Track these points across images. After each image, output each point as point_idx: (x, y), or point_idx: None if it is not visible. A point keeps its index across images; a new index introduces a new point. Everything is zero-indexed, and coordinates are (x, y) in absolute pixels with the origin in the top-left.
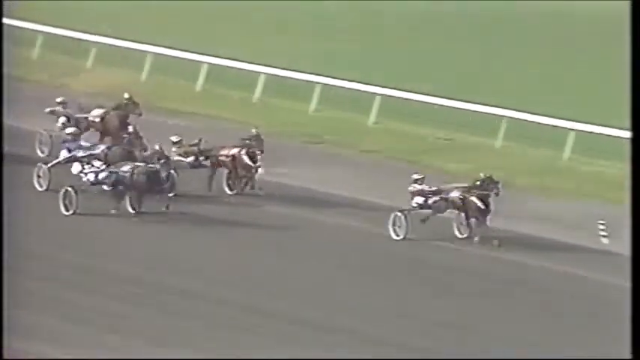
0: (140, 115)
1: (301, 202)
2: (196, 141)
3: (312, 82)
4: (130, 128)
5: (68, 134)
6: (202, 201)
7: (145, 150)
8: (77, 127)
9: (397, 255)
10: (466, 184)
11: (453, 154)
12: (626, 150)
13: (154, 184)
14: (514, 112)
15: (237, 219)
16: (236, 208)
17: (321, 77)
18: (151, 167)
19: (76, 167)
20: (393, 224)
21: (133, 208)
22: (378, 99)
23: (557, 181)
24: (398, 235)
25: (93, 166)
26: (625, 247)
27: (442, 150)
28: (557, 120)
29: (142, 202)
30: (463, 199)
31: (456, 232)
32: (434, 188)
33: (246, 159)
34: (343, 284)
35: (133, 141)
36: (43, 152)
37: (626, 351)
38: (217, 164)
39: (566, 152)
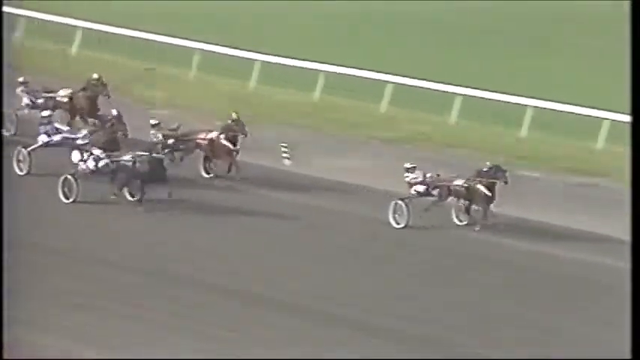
0: (109, 96)
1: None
2: (175, 126)
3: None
4: (114, 112)
5: (44, 117)
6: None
7: (127, 136)
8: (43, 106)
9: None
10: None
11: (152, 83)
12: (311, 80)
13: (156, 172)
14: (205, 44)
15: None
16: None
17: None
18: (154, 156)
19: (75, 155)
20: (394, 212)
21: (132, 196)
22: (79, 32)
23: (247, 108)
24: (398, 224)
25: (92, 154)
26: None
27: (141, 79)
28: (243, 52)
29: (142, 190)
30: (468, 187)
31: (455, 220)
32: (432, 176)
33: (225, 142)
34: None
35: (116, 126)
36: (9, 131)
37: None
38: (195, 147)
39: (252, 81)
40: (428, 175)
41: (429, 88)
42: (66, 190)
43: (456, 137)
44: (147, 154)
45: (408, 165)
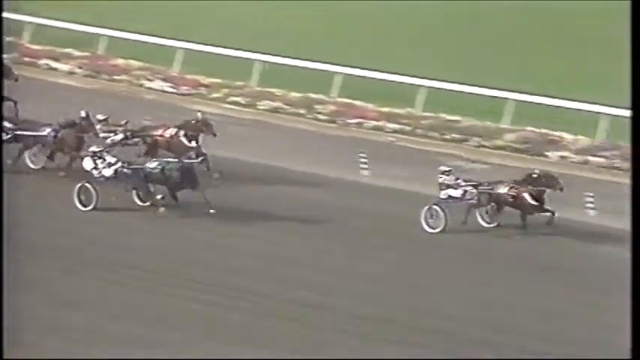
0: (16, 80)
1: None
2: (123, 122)
3: None
4: (83, 113)
5: None
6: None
7: (97, 136)
8: None
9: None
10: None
11: None
12: None
13: (187, 180)
14: None
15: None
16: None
17: None
18: (185, 163)
19: (87, 163)
20: (428, 217)
21: (142, 201)
22: None
23: None
24: (433, 228)
25: (105, 160)
26: None
27: None
28: None
29: (154, 196)
30: (515, 196)
31: (481, 222)
32: (469, 180)
33: (184, 140)
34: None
35: (84, 127)
36: None
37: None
38: (152, 143)
39: None
40: (461, 179)
41: None
42: (83, 197)
43: None
44: (176, 160)
45: (444, 168)
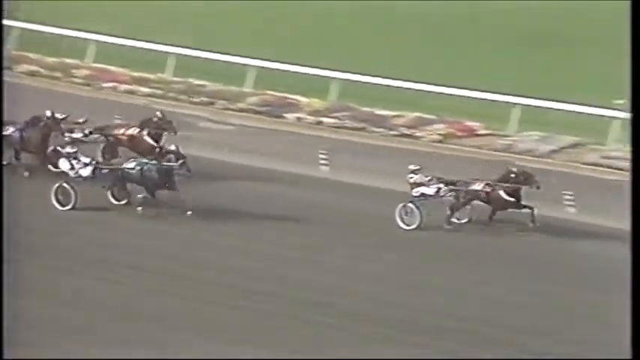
0: None
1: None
2: (81, 120)
3: None
4: (48, 113)
5: None
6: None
7: (63, 134)
8: None
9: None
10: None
11: None
12: None
13: (165, 181)
14: None
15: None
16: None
17: None
18: (164, 165)
19: (63, 164)
20: (403, 214)
21: (117, 200)
22: None
23: None
24: (408, 225)
25: (80, 161)
26: None
27: None
28: None
29: (130, 194)
30: (489, 193)
31: (453, 218)
32: (435, 178)
33: (148, 139)
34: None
35: (50, 125)
36: None
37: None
38: (115, 142)
39: None
40: (430, 177)
41: None
42: (60, 197)
43: None
44: (155, 162)
45: (412, 167)
